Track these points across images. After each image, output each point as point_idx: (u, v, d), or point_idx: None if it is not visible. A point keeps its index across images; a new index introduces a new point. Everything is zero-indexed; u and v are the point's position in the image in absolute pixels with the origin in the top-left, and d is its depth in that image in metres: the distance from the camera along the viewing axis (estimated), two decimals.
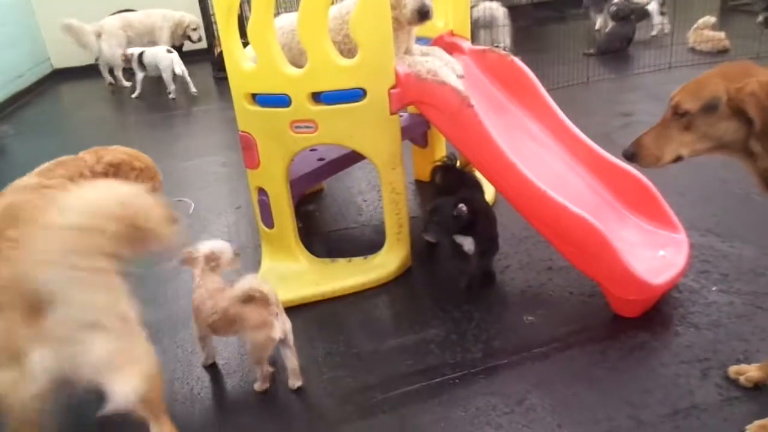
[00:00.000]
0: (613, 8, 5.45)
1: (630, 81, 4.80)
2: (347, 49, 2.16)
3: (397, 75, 2.04)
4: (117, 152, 1.82)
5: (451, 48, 2.36)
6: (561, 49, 5.75)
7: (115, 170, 1.77)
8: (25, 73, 6.40)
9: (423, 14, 2.05)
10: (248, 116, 2.20)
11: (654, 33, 5.72)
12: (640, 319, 1.93)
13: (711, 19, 4.88)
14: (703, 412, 1.58)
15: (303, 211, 3.00)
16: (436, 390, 1.75)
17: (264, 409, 1.77)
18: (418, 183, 3.19)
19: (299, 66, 2.11)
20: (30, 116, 5.84)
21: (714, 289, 2.06)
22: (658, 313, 1.96)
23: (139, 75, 6.01)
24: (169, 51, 5.92)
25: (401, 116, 2.92)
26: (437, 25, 2.60)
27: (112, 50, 6.43)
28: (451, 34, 2.46)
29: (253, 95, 2.17)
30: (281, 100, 2.09)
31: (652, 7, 5.62)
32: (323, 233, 2.79)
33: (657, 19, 5.69)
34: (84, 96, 6.21)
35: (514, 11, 6.00)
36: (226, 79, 2.22)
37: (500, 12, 5.35)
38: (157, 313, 2.28)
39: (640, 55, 5.33)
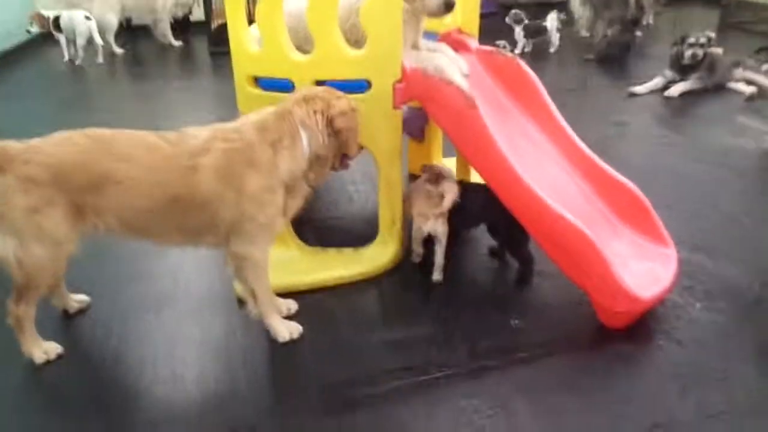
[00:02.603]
0: (524, 25, 5.75)
1: (623, 91, 4.81)
2: (353, 40, 2.13)
3: (403, 69, 2.03)
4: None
5: (458, 46, 2.35)
6: (560, 54, 5.78)
7: None
8: (15, 32, 6.25)
9: (449, 5, 2.04)
10: (249, 99, 2.17)
11: (552, 50, 5.82)
12: (626, 331, 1.95)
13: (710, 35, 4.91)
14: (682, 427, 1.61)
15: None
16: (421, 388, 1.76)
17: (248, 395, 1.76)
18: (413, 177, 3.18)
19: (304, 51, 2.09)
20: (17, 77, 5.72)
21: (698, 306, 2.09)
22: (642, 326, 1.98)
23: (62, 39, 6.00)
24: (87, 18, 5.92)
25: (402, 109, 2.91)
26: (445, 20, 2.58)
27: (103, 14, 6.30)
28: (459, 31, 2.44)
29: (256, 78, 2.14)
30: (284, 86, 2.07)
31: (550, 24, 5.73)
32: (314, 221, 2.78)
33: (555, 36, 5.80)
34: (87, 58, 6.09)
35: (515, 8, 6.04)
36: (222, 54, 2.20)
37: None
38: (141, 289, 2.26)
39: (638, 64, 5.36)
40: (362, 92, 2.03)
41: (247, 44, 2.10)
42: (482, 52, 2.39)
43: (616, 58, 5.47)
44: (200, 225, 1.80)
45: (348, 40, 2.09)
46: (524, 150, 2.19)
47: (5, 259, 1.72)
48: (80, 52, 6.00)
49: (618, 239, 2.10)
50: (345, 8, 2.15)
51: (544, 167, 2.20)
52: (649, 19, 6.72)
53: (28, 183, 1.65)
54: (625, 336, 1.94)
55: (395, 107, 2.07)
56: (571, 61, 5.52)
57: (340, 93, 1.87)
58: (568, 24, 6.08)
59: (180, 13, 6.88)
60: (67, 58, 6.04)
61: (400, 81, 2.04)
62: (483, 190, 2.07)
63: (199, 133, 1.77)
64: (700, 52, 4.43)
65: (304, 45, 2.18)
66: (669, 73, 4.60)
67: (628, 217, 2.15)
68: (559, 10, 5.89)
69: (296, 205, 1.90)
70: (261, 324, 1.97)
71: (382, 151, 2.14)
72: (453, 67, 2.12)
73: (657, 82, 4.59)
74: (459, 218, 2.19)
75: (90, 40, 5.96)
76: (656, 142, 3.62)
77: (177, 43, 6.82)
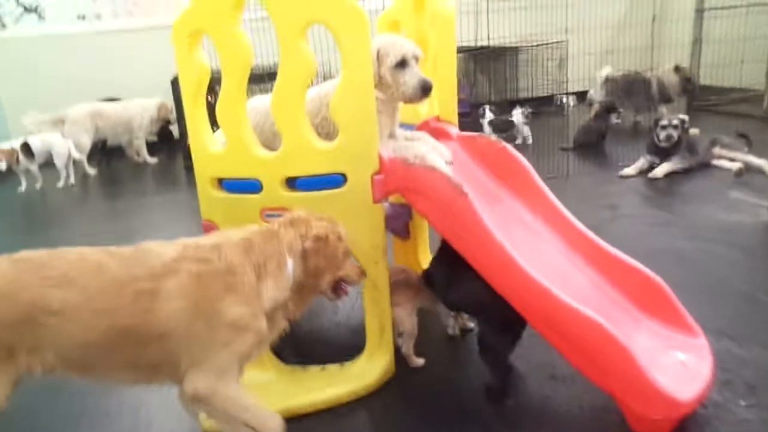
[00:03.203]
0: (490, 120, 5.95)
1: (609, 175, 4.76)
2: (325, 133, 1.98)
3: (381, 160, 1.85)
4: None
5: (438, 134, 2.21)
6: (539, 145, 5.79)
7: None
8: None
9: (426, 90, 1.92)
10: (213, 203, 1.97)
11: (519, 141, 5.91)
12: None
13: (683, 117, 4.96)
14: None
15: None
16: None
17: None
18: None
19: (272, 149, 1.91)
20: None
21: (743, 404, 1.80)
22: None
23: (32, 167, 5.76)
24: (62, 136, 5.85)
25: (383, 206, 2.72)
26: (421, 111, 2.46)
27: (75, 136, 6.25)
28: (437, 119, 2.32)
29: (220, 180, 1.95)
30: (251, 186, 1.87)
31: (517, 119, 5.86)
32: (294, 335, 2.47)
33: (524, 129, 5.91)
34: (51, 183, 5.92)
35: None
36: None
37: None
38: (97, 430, 1.92)
39: (614, 150, 5.36)
40: (337, 187, 1.84)
41: (209, 143, 1.92)
42: (464, 138, 2.24)
43: (592, 145, 5.52)
44: (157, 360, 1.50)
45: (320, 135, 1.93)
46: (521, 238, 1.97)
47: None
48: (63, 173, 5.80)
49: (639, 331, 1.84)
50: (315, 101, 2.02)
51: (545, 255, 1.98)
52: (620, 108, 6.90)
53: None
54: None
55: (375, 201, 1.88)
56: (549, 151, 5.52)
57: (323, 216, 1.70)
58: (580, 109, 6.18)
59: (155, 129, 6.89)
60: (24, 188, 5.77)
61: (378, 172, 1.86)
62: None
63: (162, 251, 1.52)
64: (674, 133, 4.45)
65: (272, 143, 2.02)
66: (649, 157, 4.59)
67: (646, 305, 1.91)
68: (523, 106, 6.04)
69: (269, 338, 1.65)
70: None
71: (363, 250, 1.91)
72: (435, 155, 1.96)
73: (642, 162, 4.58)
74: None
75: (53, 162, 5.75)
76: (651, 222, 3.46)
77: (152, 160, 6.76)
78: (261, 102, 2.13)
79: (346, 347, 2.22)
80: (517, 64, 7.97)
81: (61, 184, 5.81)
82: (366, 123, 1.80)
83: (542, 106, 7.62)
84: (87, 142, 6.39)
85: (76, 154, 5.90)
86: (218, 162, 1.91)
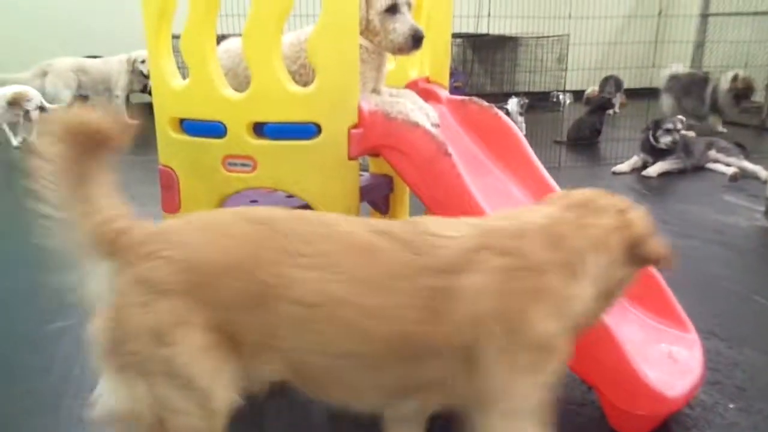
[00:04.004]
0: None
1: (601, 170, 4.64)
2: (303, 82, 1.79)
3: (360, 112, 1.67)
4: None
5: (427, 95, 2.03)
6: (532, 136, 5.65)
7: None
8: None
9: (417, 39, 1.73)
10: (172, 146, 1.78)
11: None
12: None
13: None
14: None
15: None
16: None
17: None
18: None
19: None
20: None
21: (731, 406, 1.66)
22: None
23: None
24: None
25: (361, 175, 2.55)
26: (409, 73, 2.28)
27: (57, 92, 6.00)
28: (427, 80, 2.14)
29: (181, 121, 1.76)
30: (214, 129, 1.68)
31: (512, 107, 5.61)
32: None
33: (518, 119, 5.69)
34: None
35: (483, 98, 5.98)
36: None
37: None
38: None
39: (608, 146, 5.23)
40: (310, 138, 1.65)
41: (170, 79, 1.73)
42: (454, 102, 2.06)
43: (586, 140, 5.41)
44: (430, 382, 1.11)
45: (297, 83, 1.75)
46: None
47: (135, 413, 1.06)
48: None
49: (628, 321, 1.69)
50: (294, 46, 1.82)
51: None
52: (616, 107, 6.78)
53: (149, 291, 1.04)
54: None
55: (351, 157, 1.69)
56: (542, 144, 5.38)
57: (624, 199, 1.23)
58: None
59: (138, 87, 6.61)
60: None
61: (356, 126, 1.68)
62: None
63: (450, 233, 1.11)
64: (677, 136, 4.33)
65: (245, 89, 1.83)
66: (643, 155, 4.48)
67: (637, 296, 1.75)
68: (518, 96, 5.85)
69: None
70: None
71: (334, 211, 1.73)
72: (420, 113, 1.78)
73: (636, 160, 4.46)
74: None
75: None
76: None
77: (132, 122, 6.52)
78: (235, 44, 1.93)
79: None
80: (517, 57, 7.82)
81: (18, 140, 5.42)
82: (346, 68, 1.62)
83: (539, 102, 7.48)
84: (68, 95, 6.14)
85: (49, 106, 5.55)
86: (180, 100, 1.72)
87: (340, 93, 1.63)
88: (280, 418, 1.62)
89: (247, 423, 1.32)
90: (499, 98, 6.56)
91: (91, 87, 6.43)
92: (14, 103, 5.21)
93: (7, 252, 2.92)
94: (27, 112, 5.26)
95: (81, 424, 1.57)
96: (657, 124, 4.44)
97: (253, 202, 2.25)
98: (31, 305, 2.28)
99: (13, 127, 5.41)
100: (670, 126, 4.38)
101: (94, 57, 6.55)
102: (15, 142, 5.39)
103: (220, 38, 1.88)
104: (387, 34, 1.76)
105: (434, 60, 2.12)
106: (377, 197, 2.60)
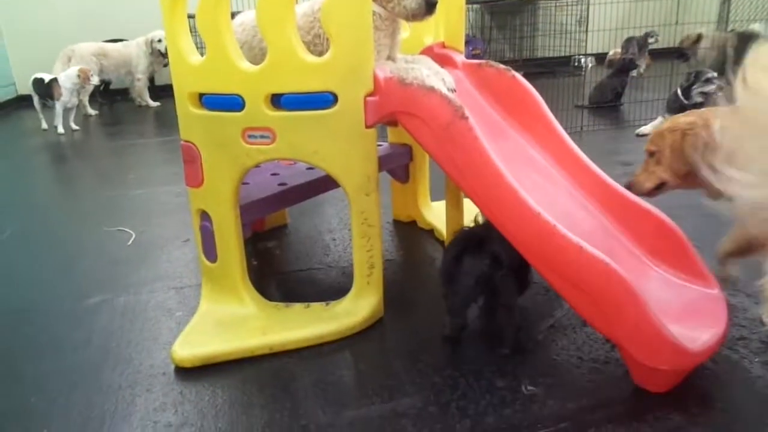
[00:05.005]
0: None
1: (624, 133, 4.56)
2: (318, 52, 1.80)
3: (376, 79, 1.68)
4: None
5: (442, 60, 2.02)
6: (553, 101, 5.56)
7: None
8: None
9: (431, 5, 1.72)
10: (192, 121, 1.81)
11: None
12: (670, 396, 1.51)
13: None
14: None
15: (260, 248, 2.57)
16: None
17: None
18: (397, 223, 2.80)
19: None
20: None
21: (756, 360, 1.65)
22: (691, 388, 1.54)
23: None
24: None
25: (380, 146, 2.56)
26: (424, 40, 2.27)
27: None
28: (443, 45, 2.12)
29: (200, 95, 1.79)
30: (233, 102, 1.71)
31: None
32: (281, 273, 2.36)
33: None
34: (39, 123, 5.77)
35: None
36: None
37: None
38: None
39: (631, 108, 5.13)
40: (327, 108, 1.67)
41: (188, 54, 1.75)
42: (470, 66, 2.05)
43: (608, 103, 5.30)
44: None
45: (312, 53, 1.75)
46: (526, 176, 1.81)
47: None
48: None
49: (650, 278, 1.69)
50: (308, 16, 1.83)
51: (552, 195, 1.82)
52: (641, 69, 6.61)
53: None
54: (671, 402, 1.49)
55: (368, 126, 1.71)
56: (564, 108, 5.31)
57: None
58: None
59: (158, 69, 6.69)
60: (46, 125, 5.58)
61: (372, 93, 1.69)
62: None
63: None
64: (712, 89, 4.19)
65: (260, 62, 1.84)
66: (668, 116, 4.38)
67: (659, 252, 1.75)
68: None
69: None
70: None
71: (354, 180, 1.76)
72: (435, 78, 1.78)
73: (660, 121, 4.37)
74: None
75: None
76: None
77: (154, 104, 6.61)
78: (249, 17, 1.95)
79: (335, 288, 2.10)
80: (536, 21, 7.66)
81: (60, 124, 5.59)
82: (360, 36, 1.62)
83: (560, 66, 7.34)
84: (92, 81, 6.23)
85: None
86: (197, 75, 1.75)
87: (355, 61, 1.64)
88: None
89: None
90: (517, 64, 6.49)
91: (113, 71, 6.53)
92: (83, 76, 5.36)
93: (46, 231, 3.02)
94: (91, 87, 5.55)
95: (121, 392, 1.65)
96: (698, 75, 4.29)
97: (274, 175, 2.29)
98: (69, 281, 2.36)
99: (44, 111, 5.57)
100: (710, 75, 4.24)
101: (116, 41, 6.62)
102: (45, 125, 5.54)
103: (234, 15, 1.90)
104: (400, 0, 1.75)
105: (449, 25, 2.11)
106: (397, 167, 2.62)
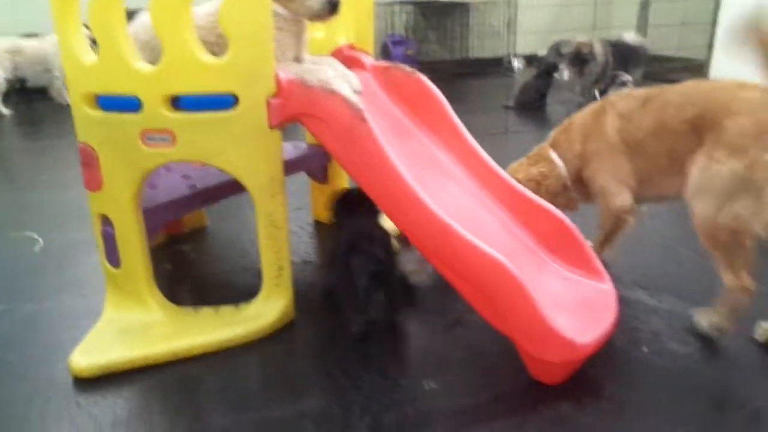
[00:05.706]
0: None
1: (548, 133, 4.70)
2: (223, 53, 1.77)
3: (278, 81, 1.67)
4: None
5: (351, 62, 2.03)
6: (481, 101, 5.70)
7: None
8: None
9: (333, 5, 1.72)
10: (89, 123, 1.75)
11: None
12: (563, 387, 1.58)
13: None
14: None
15: (175, 252, 2.51)
16: None
17: None
18: (318, 224, 2.80)
19: None
20: None
21: (645, 350, 1.75)
22: (583, 378, 1.61)
23: None
24: None
25: (298, 147, 2.56)
26: (337, 41, 2.28)
27: None
28: (352, 47, 2.14)
29: (96, 96, 1.73)
30: (129, 103, 1.66)
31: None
32: (195, 277, 2.31)
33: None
34: None
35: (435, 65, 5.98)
36: None
37: None
38: None
39: (556, 110, 5.31)
40: (228, 109, 1.65)
41: (81, 53, 1.69)
42: (378, 68, 2.07)
43: (532, 104, 5.45)
44: None
45: (216, 54, 1.73)
46: (429, 176, 1.85)
47: None
48: None
49: (545, 274, 1.76)
50: (212, 15, 1.80)
51: (455, 196, 1.86)
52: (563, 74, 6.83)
53: None
54: (563, 393, 1.56)
55: (271, 127, 1.70)
56: (492, 109, 5.44)
57: None
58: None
59: None
60: None
61: (275, 95, 1.68)
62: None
63: None
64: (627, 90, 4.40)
65: None
66: None
67: (555, 248, 1.82)
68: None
69: None
70: None
71: (257, 182, 1.75)
72: (341, 81, 1.78)
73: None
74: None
75: None
76: None
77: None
78: None
79: (249, 291, 2.07)
80: (468, 22, 7.80)
81: None
82: (260, 37, 1.61)
83: (491, 67, 7.52)
84: (1, 79, 5.91)
85: None
86: (91, 75, 1.69)
87: (254, 62, 1.63)
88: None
89: None
90: (449, 65, 6.58)
91: (29, 68, 6.20)
92: None
93: None
94: None
95: (16, 407, 1.57)
96: (613, 80, 4.49)
97: (185, 177, 2.24)
98: None
99: None
100: (626, 79, 4.45)
101: (30, 36, 6.29)
102: None
103: (134, 13, 1.85)
104: (303, 1, 1.75)
105: (358, 26, 2.12)
106: (314, 167, 2.63)
